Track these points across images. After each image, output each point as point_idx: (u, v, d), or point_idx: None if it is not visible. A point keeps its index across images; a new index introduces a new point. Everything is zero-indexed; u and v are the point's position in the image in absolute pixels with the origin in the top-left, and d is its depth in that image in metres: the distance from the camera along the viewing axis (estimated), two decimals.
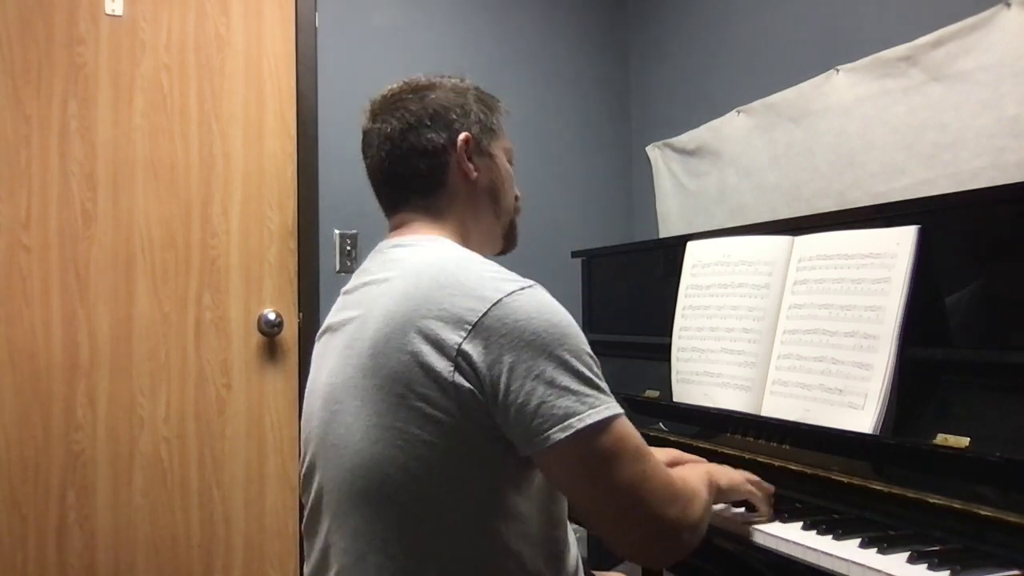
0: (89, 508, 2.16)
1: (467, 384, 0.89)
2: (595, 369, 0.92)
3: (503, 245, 1.20)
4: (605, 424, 0.88)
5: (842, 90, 1.95)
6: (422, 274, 0.96)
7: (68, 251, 2.17)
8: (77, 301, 2.17)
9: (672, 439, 1.55)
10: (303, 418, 1.10)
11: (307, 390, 1.10)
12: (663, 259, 1.95)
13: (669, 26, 2.70)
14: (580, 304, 2.24)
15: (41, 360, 2.13)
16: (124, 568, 2.19)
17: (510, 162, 1.19)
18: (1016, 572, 0.92)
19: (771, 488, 1.20)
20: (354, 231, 2.46)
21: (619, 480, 0.89)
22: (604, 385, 0.92)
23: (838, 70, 1.96)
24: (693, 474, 1.04)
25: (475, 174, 1.11)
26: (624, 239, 2.78)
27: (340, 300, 1.11)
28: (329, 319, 1.10)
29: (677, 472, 0.99)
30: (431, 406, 0.90)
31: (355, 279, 1.10)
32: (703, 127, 2.46)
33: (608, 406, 0.89)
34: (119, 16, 2.22)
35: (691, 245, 1.70)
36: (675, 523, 0.91)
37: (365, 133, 1.14)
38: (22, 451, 2.11)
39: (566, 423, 0.87)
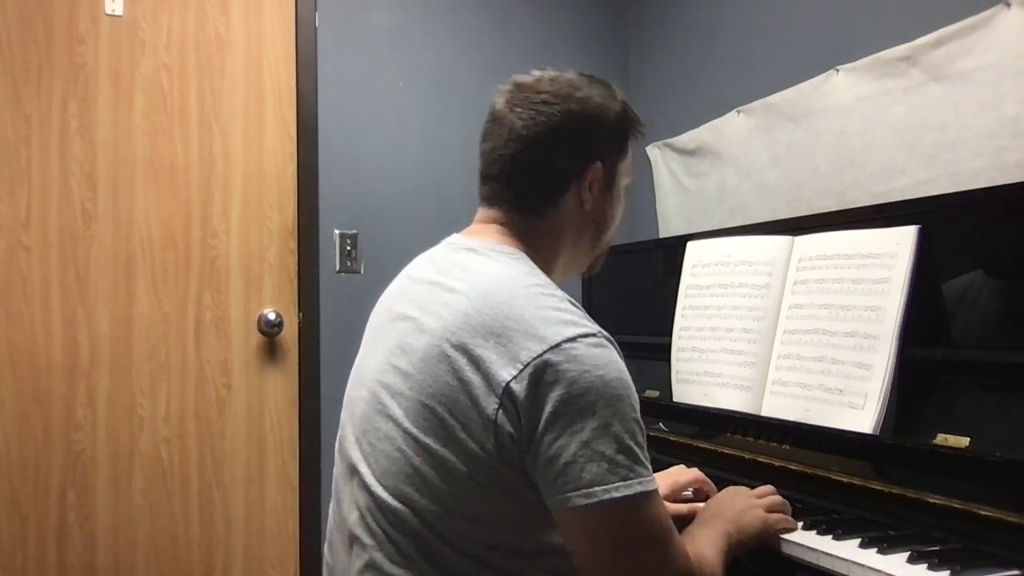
0: (89, 508, 2.16)
1: (508, 425, 0.86)
2: (639, 438, 0.88)
3: (587, 270, 1.15)
4: (631, 501, 0.84)
5: (842, 90, 1.95)
6: (487, 298, 0.91)
7: (68, 251, 2.17)
8: (77, 301, 2.17)
9: (672, 439, 1.55)
10: (347, 397, 1.07)
11: (354, 370, 1.07)
12: (663, 259, 1.95)
13: (669, 26, 2.70)
14: (580, 304, 2.23)
15: (41, 360, 2.13)
16: (124, 568, 2.19)
17: (627, 188, 1.12)
18: (1016, 572, 0.92)
19: (788, 508, 1.15)
20: (354, 231, 2.46)
21: (636, 563, 0.86)
22: (644, 457, 0.87)
23: (838, 70, 1.96)
24: (712, 548, 0.98)
25: (591, 204, 1.05)
26: (624, 239, 2.77)
27: (404, 284, 1.07)
28: (388, 301, 1.07)
29: (695, 548, 0.95)
30: (470, 437, 0.87)
31: (422, 268, 1.05)
32: (703, 127, 2.45)
33: (641, 481, 0.85)
34: (119, 16, 2.22)
35: (691, 245, 1.70)
36: None
37: (495, 117, 1.05)
38: (22, 451, 2.11)
39: (591, 490, 0.83)
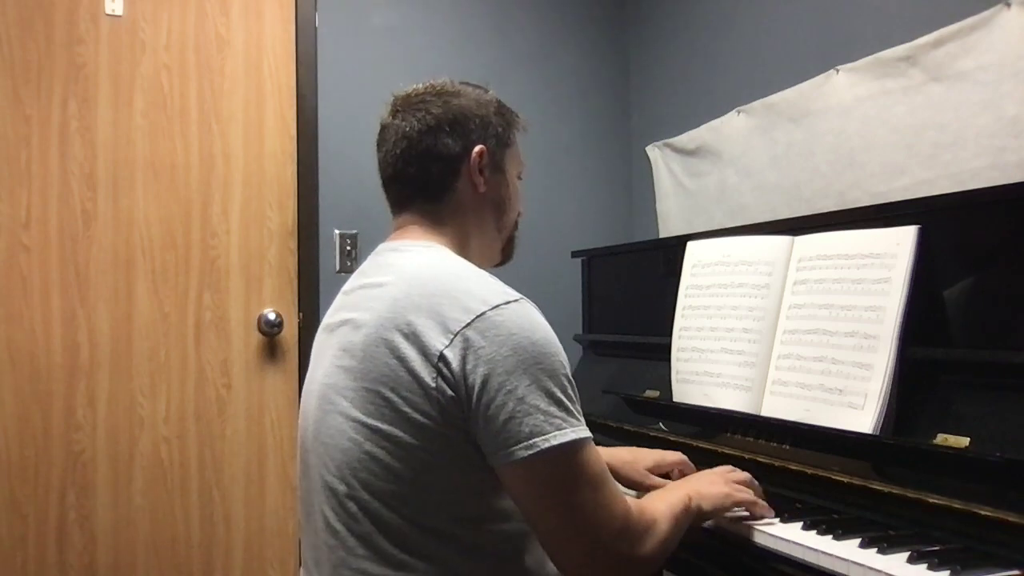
0: (89, 508, 2.16)
1: (449, 390, 0.91)
2: (569, 392, 0.94)
3: (500, 258, 1.22)
4: (568, 447, 0.90)
5: (842, 90, 1.95)
6: (414, 281, 0.98)
7: (68, 251, 2.17)
8: (77, 301, 2.17)
9: (672, 439, 1.55)
10: (300, 415, 1.12)
11: (304, 388, 1.12)
12: (663, 259, 1.95)
13: (669, 26, 2.70)
14: (580, 304, 2.24)
15: (41, 360, 2.13)
16: (124, 568, 2.19)
17: (519, 177, 1.20)
18: (1016, 572, 0.92)
19: (757, 486, 1.19)
20: (354, 231, 2.46)
21: (573, 505, 0.91)
22: (576, 408, 0.94)
23: (838, 70, 1.96)
24: (663, 503, 1.03)
25: (484, 187, 1.12)
26: (624, 239, 2.78)
27: (338, 299, 1.13)
28: (327, 318, 1.13)
29: (641, 502, 1.01)
30: (415, 410, 0.92)
31: (353, 280, 1.12)
32: (703, 127, 2.45)
33: (575, 429, 0.91)
34: (119, 16, 2.22)
35: (691, 245, 1.70)
36: (619, 556, 0.94)
37: (383, 127, 1.15)
38: (22, 451, 2.11)
39: (530, 441, 0.89)
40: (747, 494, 1.16)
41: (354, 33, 2.50)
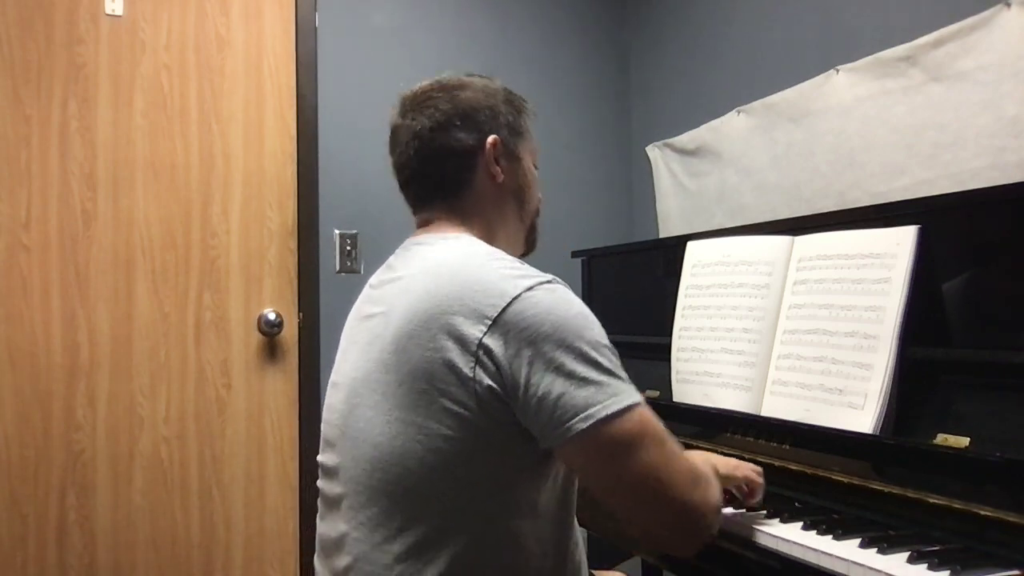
0: (89, 508, 2.16)
1: (487, 379, 0.90)
2: (614, 359, 0.93)
3: (524, 248, 1.21)
4: (625, 412, 0.90)
5: (842, 90, 1.95)
6: (443, 271, 0.98)
7: (68, 251, 2.17)
8: (77, 301, 2.17)
9: None
10: (325, 407, 1.12)
11: (330, 380, 1.12)
12: (663, 259, 1.95)
13: (669, 26, 2.70)
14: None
15: (41, 360, 2.13)
16: (124, 568, 2.19)
17: (534, 164, 1.19)
18: (1016, 572, 0.92)
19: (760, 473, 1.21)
20: (354, 231, 2.46)
21: (642, 466, 0.90)
22: (624, 374, 0.93)
23: (838, 70, 1.96)
24: (698, 457, 1.05)
25: (502, 177, 1.11)
26: (624, 239, 2.78)
27: (365, 292, 1.13)
28: (355, 310, 1.12)
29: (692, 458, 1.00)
30: (451, 401, 0.91)
31: (380, 274, 1.11)
32: (703, 127, 2.46)
33: (628, 394, 0.91)
34: (119, 16, 2.22)
35: (691, 245, 1.70)
36: (700, 505, 0.93)
37: (394, 129, 1.14)
38: (22, 451, 2.11)
39: (587, 412, 0.88)
40: (753, 472, 1.18)
41: (354, 33, 2.50)
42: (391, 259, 1.12)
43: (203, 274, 2.29)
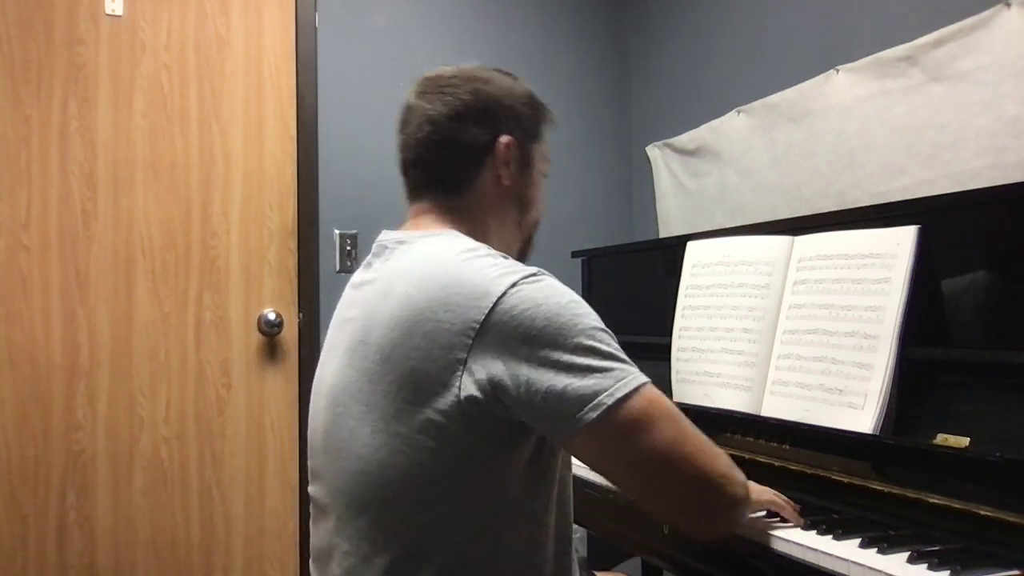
0: (89, 508, 2.16)
1: (476, 391, 0.88)
2: (612, 342, 0.91)
3: (520, 256, 1.15)
4: (634, 394, 0.88)
5: (842, 90, 1.95)
6: (424, 273, 0.94)
7: (68, 251, 2.17)
8: (77, 301, 2.17)
9: None
10: (310, 413, 1.09)
11: (314, 386, 1.09)
12: (663, 259, 1.95)
13: (669, 26, 2.70)
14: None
15: (41, 360, 2.13)
16: (124, 568, 2.19)
17: (545, 173, 1.15)
18: (1016, 572, 0.92)
19: (797, 508, 1.15)
20: (354, 231, 2.46)
21: (659, 443, 0.88)
22: (624, 355, 0.91)
23: (838, 70, 1.96)
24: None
25: (509, 181, 1.07)
26: (624, 239, 2.78)
27: (347, 293, 1.09)
28: (338, 311, 1.09)
29: None
30: (436, 412, 0.89)
31: (360, 273, 1.08)
32: (703, 127, 2.46)
33: (634, 376, 0.89)
34: (119, 16, 2.22)
35: (691, 245, 1.70)
36: (726, 473, 0.91)
37: (407, 107, 1.08)
38: (22, 451, 2.11)
39: (596, 401, 0.86)
40: (778, 499, 1.12)
41: (354, 33, 2.50)
42: (370, 257, 1.08)
43: (203, 274, 2.29)
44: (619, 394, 0.87)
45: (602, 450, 0.90)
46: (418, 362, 0.89)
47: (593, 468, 0.94)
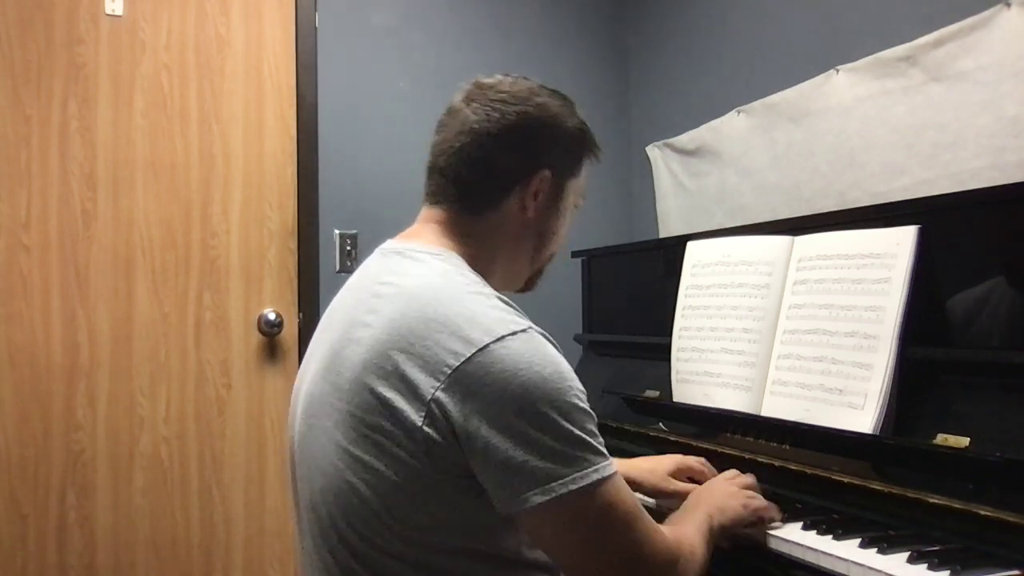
0: (89, 508, 2.16)
1: (436, 435, 0.83)
2: (588, 426, 0.85)
3: (523, 287, 1.12)
4: (590, 489, 0.83)
5: (842, 90, 1.95)
6: (412, 301, 0.89)
7: (68, 251, 2.16)
8: (77, 301, 2.17)
9: (672, 439, 1.55)
10: (289, 411, 1.06)
11: (295, 384, 1.06)
12: (663, 259, 1.95)
13: (669, 26, 2.70)
14: (580, 304, 2.24)
15: (41, 360, 2.13)
16: (124, 568, 2.18)
17: (576, 204, 1.10)
18: (1016, 572, 0.92)
19: (759, 487, 1.19)
20: (354, 231, 2.46)
21: (608, 549, 0.85)
22: (597, 443, 0.86)
23: (838, 70, 1.96)
24: (692, 527, 1.01)
25: (532, 213, 1.02)
26: (624, 239, 2.78)
27: (341, 294, 1.05)
28: (328, 313, 1.06)
29: (675, 530, 0.96)
30: (399, 447, 0.85)
31: (357, 277, 1.04)
32: (703, 127, 2.46)
33: (596, 468, 0.84)
34: (119, 16, 2.22)
35: (691, 245, 1.70)
36: None
37: (450, 110, 1.04)
38: (22, 451, 2.11)
39: (548, 486, 0.81)
40: (760, 501, 1.14)
41: (354, 33, 2.50)
42: (369, 261, 1.04)
43: (203, 274, 2.29)
44: (573, 486, 0.82)
45: (549, 535, 0.86)
46: (385, 397, 0.85)
47: (542, 550, 0.91)
